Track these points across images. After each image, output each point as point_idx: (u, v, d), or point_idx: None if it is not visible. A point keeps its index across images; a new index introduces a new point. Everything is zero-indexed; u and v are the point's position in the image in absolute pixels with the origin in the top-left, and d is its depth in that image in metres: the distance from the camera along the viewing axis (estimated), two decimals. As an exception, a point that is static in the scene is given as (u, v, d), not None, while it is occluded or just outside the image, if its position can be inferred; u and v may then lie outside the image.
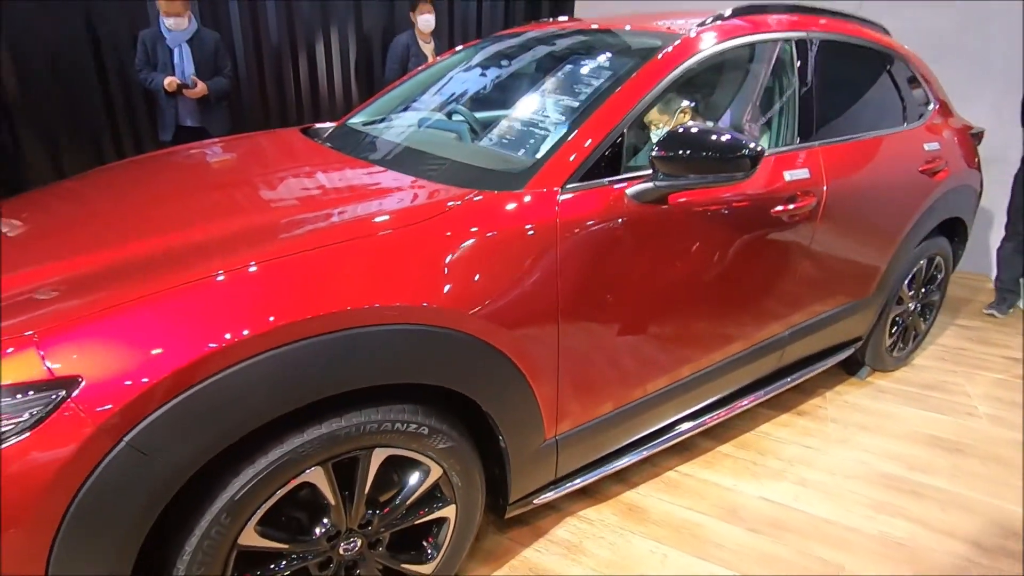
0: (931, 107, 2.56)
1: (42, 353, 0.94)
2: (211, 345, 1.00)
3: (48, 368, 0.93)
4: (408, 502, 1.35)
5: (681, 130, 1.45)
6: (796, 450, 2.25)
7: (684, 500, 1.97)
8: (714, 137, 1.42)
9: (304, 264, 1.13)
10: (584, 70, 1.82)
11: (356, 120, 2.22)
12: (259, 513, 1.14)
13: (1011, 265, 3.52)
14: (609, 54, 1.89)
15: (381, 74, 4.63)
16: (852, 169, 2.08)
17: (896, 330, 2.72)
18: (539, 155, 1.49)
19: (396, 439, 1.25)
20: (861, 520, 1.93)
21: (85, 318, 0.98)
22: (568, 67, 1.86)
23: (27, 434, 0.91)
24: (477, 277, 1.28)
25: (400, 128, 2.06)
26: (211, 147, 2.10)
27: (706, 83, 2.13)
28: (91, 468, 0.94)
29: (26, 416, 0.92)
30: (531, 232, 1.34)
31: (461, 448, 1.37)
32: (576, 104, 1.67)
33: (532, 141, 1.59)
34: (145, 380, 0.95)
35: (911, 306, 2.71)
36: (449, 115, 2.07)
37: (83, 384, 0.93)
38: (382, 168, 1.62)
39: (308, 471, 1.17)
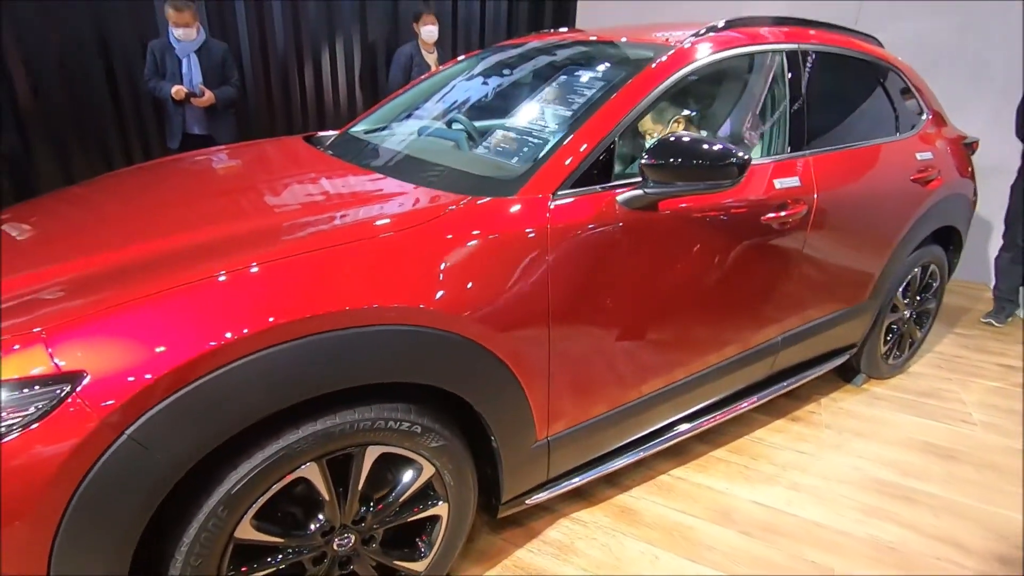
0: (924, 117, 2.60)
1: (49, 349, 0.98)
2: (211, 343, 1.04)
3: (54, 364, 0.97)
4: (401, 499, 1.38)
5: (672, 139, 1.49)
6: (790, 455, 2.27)
7: (677, 503, 1.99)
8: (701, 146, 1.46)
9: (302, 265, 1.17)
10: (578, 80, 1.86)
11: (358, 128, 2.27)
12: (255, 507, 1.17)
13: (1009, 274, 3.54)
14: (602, 65, 1.94)
15: (385, 83, 4.71)
16: (843, 178, 2.11)
17: (891, 337, 2.74)
18: (531, 163, 1.54)
19: (389, 437, 1.29)
20: (852, 524, 1.95)
21: (90, 316, 1.03)
22: (562, 77, 1.91)
23: (34, 427, 0.95)
24: (470, 280, 1.32)
25: (400, 136, 2.11)
26: (216, 154, 2.15)
27: (699, 93, 2.18)
28: (94, 460, 0.98)
29: (32, 410, 0.96)
30: (522, 237, 1.38)
31: (453, 447, 1.41)
32: (569, 113, 1.72)
33: (526, 149, 1.64)
34: (147, 376, 0.99)
35: (906, 314, 2.73)
36: (449, 124, 2.12)
37: (88, 379, 0.97)
38: (381, 175, 1.66)
39: (303, 467, 1.20)
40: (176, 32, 3.47)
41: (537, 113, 1.83)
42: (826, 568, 1.77)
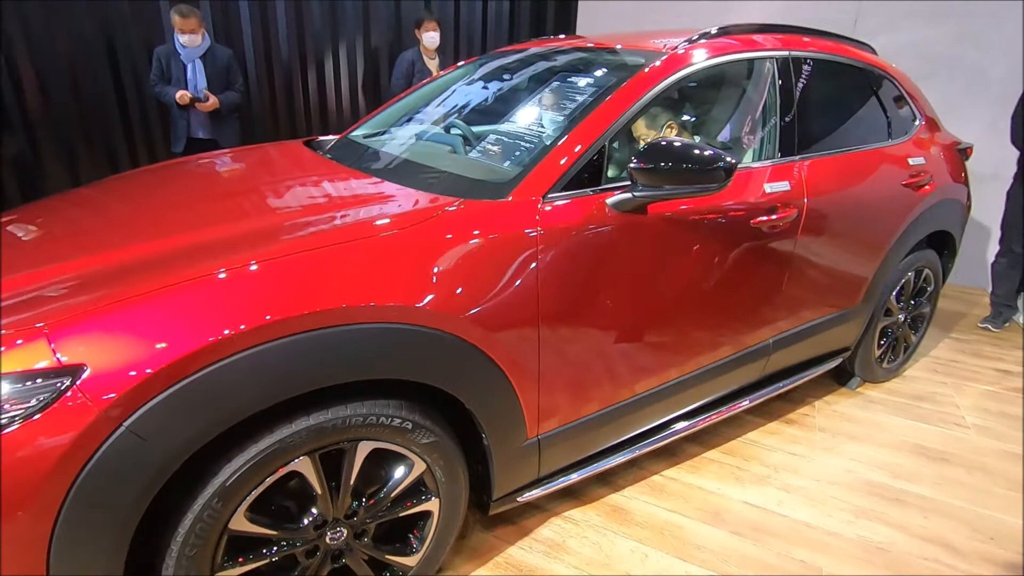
0: (917, 123, 2.62)
1: (51, 343, 1.02)
2: (209, 338, 1.07)
3: (56, 357, 1.01)
4: (392, 494, 1.41)
5: (660, 144, 1.52)
6: (782, 457, 2.29)
7: (668, 503, 2.01)
8: (688, 150, 1.49)
9: (297, 264, 1.21)
10: (571, 86, 1.90)
11: (357, 133, 2.32)
12: (249, 499, 1.20)
13: (1006, 280, 3.55)
14: (595, 71, 1.98)
15: (387, 88, 4.77)
16: (833, 182, 2.14)
17: (885, 341, 2.76)
18: (523, 166, 1.57)
19: (381, 433, 1.32)
20: (842, 525, 1.96)
21: (91, 312, 1.07)
22: (555, 83, 1.95)
23: (35, 418, 0.99)
24: (460, 280, 1.35)
25: (398, 141, 2.15)
26: (218, 157, 2.20)
27: (691, 99, 2.22)
28: (93, 451, 1.02)
29: (34, 402, 1.00)
30: (512, 239, 1.42)
31: (444, 444, 1.44)
32: (561, 118, 1.75)
33: (517, 153, 1.67)
34: (145, 370, 1.03)
35: (900, 318, 2.75)
36: (447, 129, 2.16)
37: (87, 373, 1.01)
38: (377, 178, 1.70)
39: (296, 461, 1.24)
40: (181, 38, 3.53)
41: (530, 118, 1.87)
42: (815, 568, 1.79)
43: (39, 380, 1.00)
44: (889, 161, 2.39)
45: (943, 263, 2.86)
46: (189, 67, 3.60)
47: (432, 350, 1.34)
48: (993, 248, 3.84)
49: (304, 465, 1.26)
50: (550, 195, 1.51)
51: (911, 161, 2.45)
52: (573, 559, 1.77)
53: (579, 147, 1.57)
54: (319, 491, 1.30)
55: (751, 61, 2.07)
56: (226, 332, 1.09)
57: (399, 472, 1.41)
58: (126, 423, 1.03)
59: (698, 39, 1.94)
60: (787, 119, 2.07)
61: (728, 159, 1.51)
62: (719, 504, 2.02)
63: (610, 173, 1.74)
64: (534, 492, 1.71)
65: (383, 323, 1.26)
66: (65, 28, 3.52)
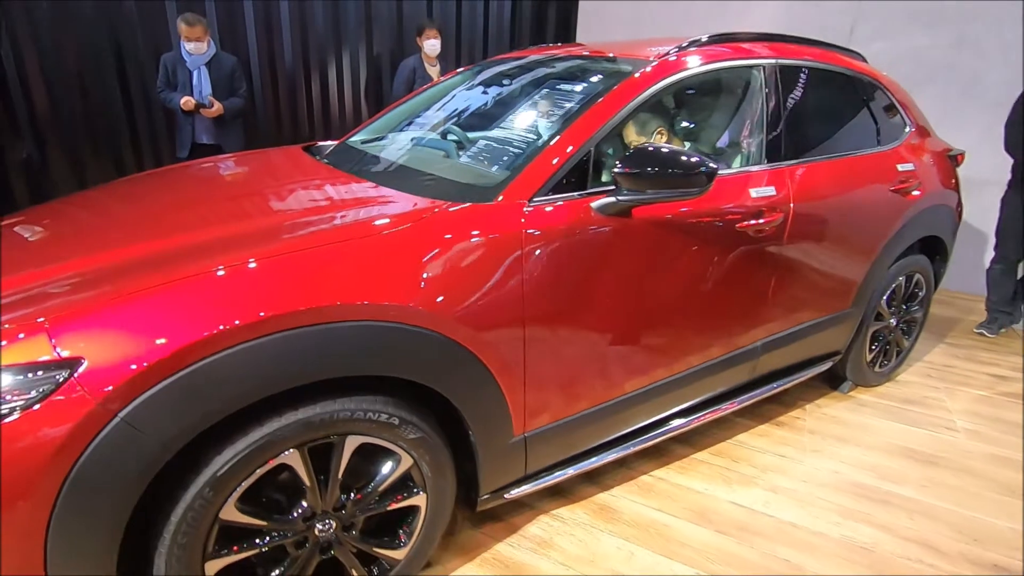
0: (907, 129, 2.65)
1: (50, 337, 1.07)
2: (204, 333, 1.12)
3: (55, 350, 1.06)
4: (380, 488, 1.45)
5: (647, 149, 1.57)
6: (771, 459, 2.32)
7: (655, 502, 2.05)
8: (669, 156, 1.54)
9: (284, 264, 1.26)
10: (560, 93, 1.95)
11: (355, 139, 2.37)
12: (239, 490, 1.25)
13: (1001, 286, 3.57)
14: (586, 78, 2.03)
15: (390, 94, 4.84)
16: (820, 188, 2.18)
17: (877, 345, 2.78)
18: (510, 170, 1.62)
19: (368, 428, 1.37)
20: (828, 526, 1.99)
21: (90, 307, 1.12)
22: (545, 90, 2.00)
23: (35, 408, 1.04)
24: (447, 281, 1.40)
25: (393, 146, 2.20)
26: (218, 162, 2.26)
27: (681, 105, 2.27)
28: (89, 440, 1.06)
29: (34, 393, 1.05)
30: (497, 241, 1.46)
31: (431, 440, 1.48)
32: (549, 124, 1.80)
33: (505, 158, 1.72)
34: (142, 363, 1.07)
35: (892, 322, 2.78)
36: (444, 135, 2.21)
37: (85, 365, 1.06)
38: (370, 183, 1.75)
39: (286, 453, 1.28)
40: (187, 46, 3.61)
41: (520, 123, 1.93)
42: (798, 567, 1.82)
43: (40, 372, 1.05)
44: (877, 167, 2.42)
45: (935, 268, 2.89)
46: (195, 74, 3.68)
47: (419, 348, 1.38)
48: (990, 254, 3.86)
49: (293, 458, 1.30)
50: (536, 199, 1.55)
51: (900, 167, 2.48)
52: (559, 556, 1.80)
53: (565, 152, 1.62)
54: (308, 484, 1.34)
55: (739, 69, 2.12)
56: (220, 328, 1.14)
57: (387, 467, 1.45)
58: (121, 414, 1.08)
59: (687, 47, 1.99)
60: (774, 125, 2.11)
61: (709, 164, 1.56)
62: (706, 504, 2.05)
63: (604, 178, 1.79)
64: (521, 489, 1.75)
65: (371, 321, 1.30)
66: (74, 35, 3.61)
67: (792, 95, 2.20)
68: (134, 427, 1.09)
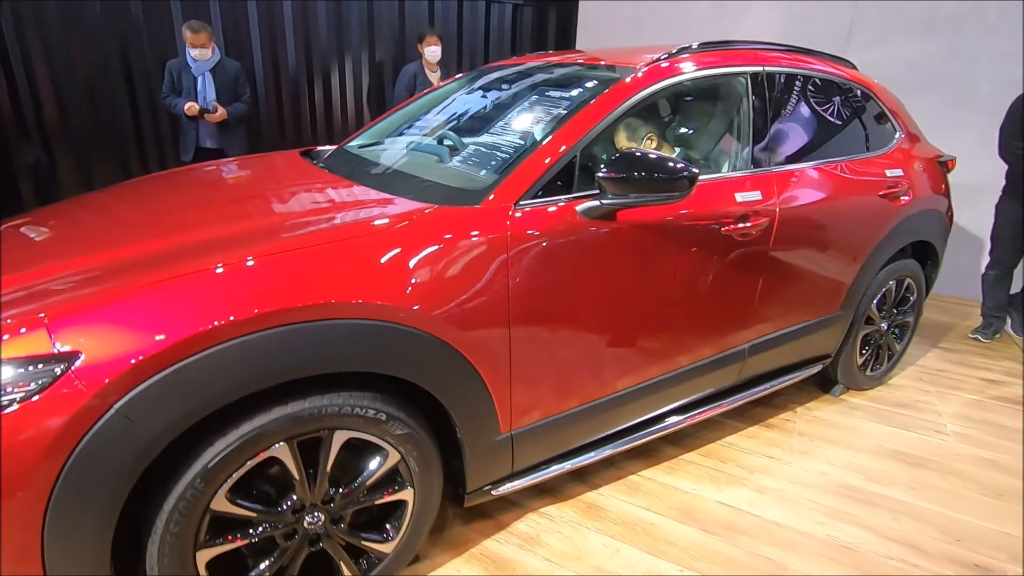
0: (897, 135, 2.69)
1: (49, 331, 1.12)
2: (198, 328, 1.17)
3: (54, 344, 1.11)
4: (368, 483, 1.49)
5: (633, 154, 1.61)
6: (759, 460, 2.35)
7: (643, 501, 2.08)
8: (652, 161, 1.58)
9: (272, 265, 1.31)
10: (550, 99, 2.00)
11: (352, 144, 2.43)
12: (230, 481, 1.29)
13: (996, 291, 3.58)
14: (575, 85, 2.07)
15: (391, 100, 4.91)
16: (807, 192, 2.21)
17: (868, 349, 2.80)
18: (497, 175, 1.67)
19: (355, 423, 1.41)
20: (813, 525, 2.01)
21: (88, 303, 1.17)
22: (535, 96, 2.05)
23: (34, 399, 1.09)
24: (434, 281, 1.44)
25: (388, 151, 2.26)
26: (216, 166, 2.32)
27: (671, 111, 2.31)
28: (85, 431, 1.11)
29: (33, 385, 1.10)
30: (483, 243, 1.51)
31: (418, 436, 1.52)
32: (537, 130, 1.85)
33: (493, 162, 1.77)
34: (137, 357, 1.12)
35: (883, 326, 2.80)
36: (437, 140, 2.26)
37: (82, 359, 1.11)
38: (363, 187, 1.80)
39: (275, 447, 1.33)
40: (192, 52, 3.69)
41: (510, 128, 1.97)
42: (781, 566, 1.85)
43: (40, 365, 1.10)
44: (865, 172, 2.46)
45: (927, 273, 2.91)
46: (199, 80, 3.76)
47: (406, 346, 1.42)
48: (986, 259, 3.87)
49: (283, 451, 1.34)
50: (522, 202, 1.60)
51: (888, 173, 2.52)
52: (546, 552, 1.84)
53: (551, 157, 1.66)
54: (297, 477, 1.39)
55: (728, 75, 2.16)
56: (215, 323, 1.19)
57: (374, 462, 1.50)
58: (116, 406, 1.13)
59: (676, 54, 2.04)
60: (762, 132, 2.15)
61: (692, 169, 1.60)
62: (693, 503, 2.08)
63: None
64: (508, 486, 1.78)
65: (358, 319, 1.35)
66: (82, 42, 3.69)
67: (780, 102, 2.25)
68: (129, 419, 1.14)
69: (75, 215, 1.85)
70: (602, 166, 1.62)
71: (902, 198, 2.54)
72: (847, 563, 1.87)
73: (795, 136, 2.31)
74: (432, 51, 4.39)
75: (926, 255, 2.88)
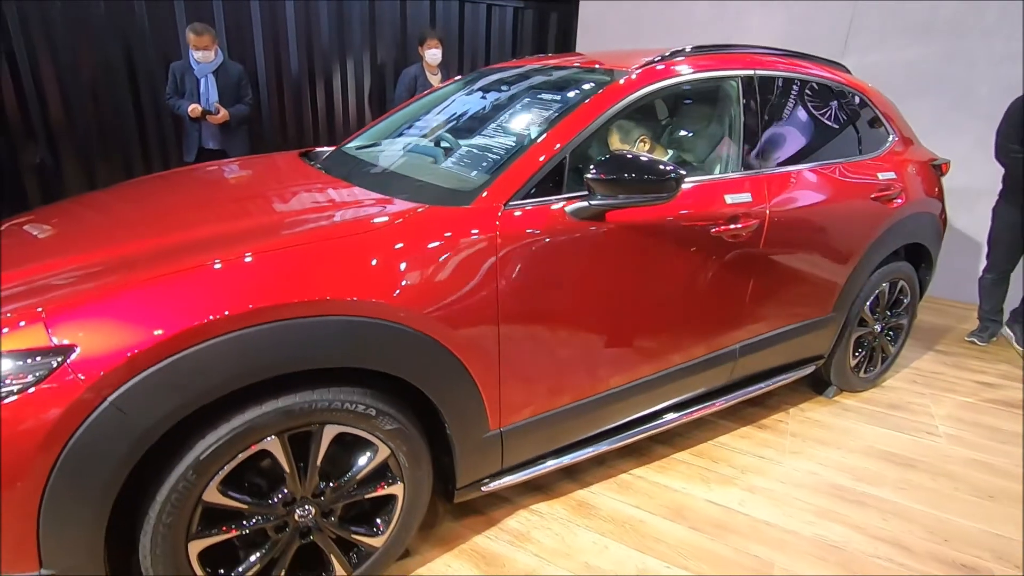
0: (890, 139, 2.70)
1: (47, 325, 1.16)
2: (193, 322, 1.20)
3: (51, 338, 1.15)
4: (358, 477, 1.52)
5: (622, 156, 1.64)
6: (750, 460, 2.37)
7: (633, 499, 2.10)
8: (639, 163, 1.61)
9: (264, 263, 1.34)
10: (542, 102, 2.03)
11: (350, 145, 2.46)
12: (221, 474, 1.32)
13: (992, 295, 3.59)
14: (570, 87, 2.10)
15: (392, 102, 4.95)
16: (798, 195, 2.23)
17: (862, 351, 2.82)
18: (487, 175, 1.70)
19: (346, 418, 1.44)
20: (801, 524, 2.03)
21: (85, 297, 1.21)
22: (528, 99, 2.08)
23: (31, 391, 1.12)
24: (424, 280, 1.47)
25: (385, 153, 2.29)
26: (215, 166, 2.36)
27: (664, 114, 2.34)
28: (80, 422, 1.14)
29: (31, 377, 1.13)
30: (473, 243, 1.54)
31: (408, 431, 1.55)
32: (528, 132, 1.88)
33: (484, 164, 1.80)
34: (132, 350, 1.15)
35: (876, 328, 2.81)
36: (433, 141, 2.30)
37: (78, 352, 1.14)
38: (358, 187, 1.83)
39: (266, 440, 1.36)
40: (196, 55, 3.74)
41: (503, 130, 2.00)
42: (768, 564, 1.86)
43: (37, 358, 1.14)
44: (857, 175, 2.47)
45: (920, 275, 2.92)
46: (202, 81, 3.81)
47: (396, 343, 1.45)
48: (983, 263, 3.87)
49: (274, 445, 1.37)
50: (512, 202, 1.63)
51: (881, 175, 2.54)
52: (536, 548, 1.86)
53: (541, 158, 1.69)
54: (287, 470, 1.42)
55: (721, 79, 2.18)
56: (210, 318, 1.22)
57: (364, 456, 1.53)
58: (110, 398, 1.16)
59: (669, 57, 2.07)
60: (753, 134, 2.18)
61: (679, 171, 1.63)
62: (683, 502, 2.11)
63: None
64: (498, 482, 1.81)
65: (351, 316, 1.38)
66: (87, 43, 3.75)
67: (772, 105, 2.27)
68: (122, 411, 1.17)
69: (77, 213, 1.88)
70: (591, 167, 1.65)
71: (895, 201, 2.55)
72: (834, 562, 1.89)
73: (787, 139, 2.33)
74: (433, 54, 4.43)
75: (920, 258, 2.89)
